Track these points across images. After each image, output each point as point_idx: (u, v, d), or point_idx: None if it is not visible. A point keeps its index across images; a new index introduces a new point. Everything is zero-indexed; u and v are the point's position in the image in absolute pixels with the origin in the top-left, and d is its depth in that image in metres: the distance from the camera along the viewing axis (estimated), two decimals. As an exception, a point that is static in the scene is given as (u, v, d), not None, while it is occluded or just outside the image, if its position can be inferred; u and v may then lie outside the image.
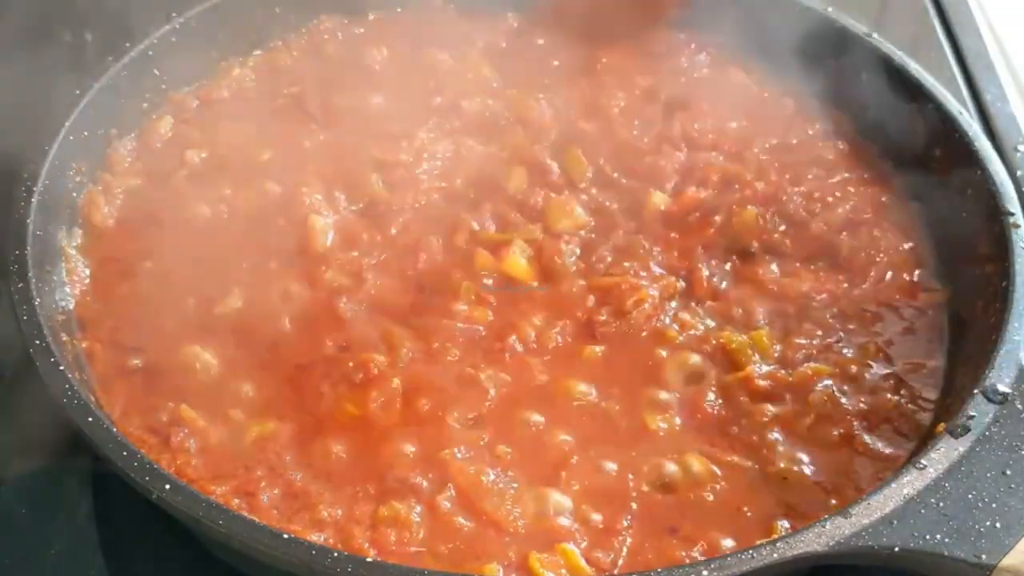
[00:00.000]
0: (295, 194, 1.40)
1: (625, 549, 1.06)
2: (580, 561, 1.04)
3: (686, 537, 1.07)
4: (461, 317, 1.26)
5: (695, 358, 1.24)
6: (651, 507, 1.10)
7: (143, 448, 1.11)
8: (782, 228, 1.39)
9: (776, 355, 1.24)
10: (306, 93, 1.57)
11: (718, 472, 1.13)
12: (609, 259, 1.34)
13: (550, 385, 1.21)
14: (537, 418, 1.17)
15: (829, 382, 1.21)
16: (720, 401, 1.20)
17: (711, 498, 1.11)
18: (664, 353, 1.24)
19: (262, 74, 1.62)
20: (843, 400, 1.20)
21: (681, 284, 1.31)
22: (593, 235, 1.38)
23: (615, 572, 1.04)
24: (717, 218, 1.39)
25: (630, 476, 1.12)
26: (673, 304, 1.29)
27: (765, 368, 1.23)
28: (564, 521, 1.08)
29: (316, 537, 1.05)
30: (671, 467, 1.13)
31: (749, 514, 1.10)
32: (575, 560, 1.04)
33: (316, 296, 1.29)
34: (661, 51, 1.65)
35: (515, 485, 1.10)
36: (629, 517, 1.09)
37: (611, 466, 1.13)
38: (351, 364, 1.20)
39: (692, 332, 1.27)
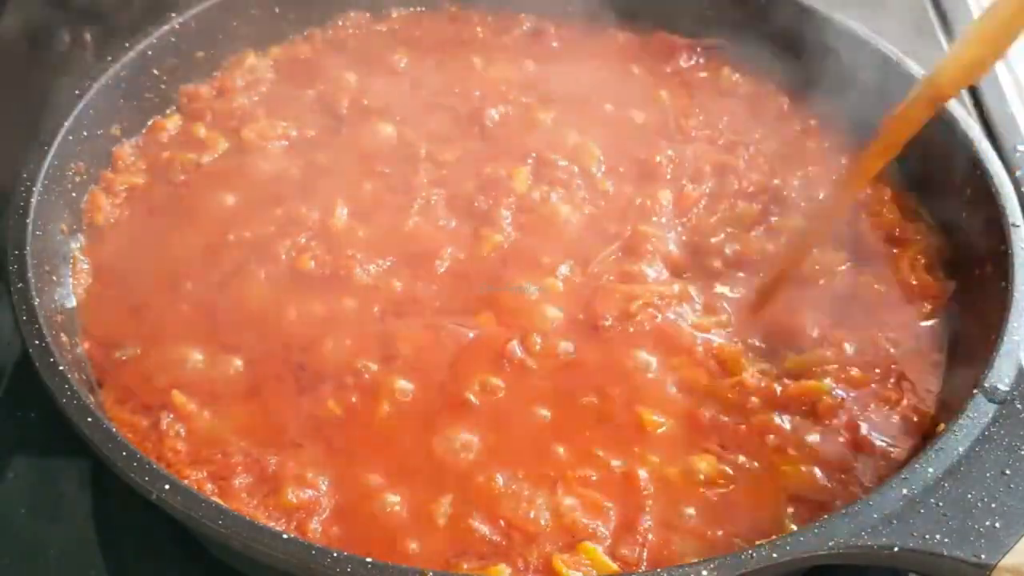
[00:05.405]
0: (305, 192, 1.41)
1: (648, 545, 1.07)
2: (604, 558, 1.04)
3: (705, 533, 1.08)
4: (470, 324, 1.27)
5: (698, 355, 1.24)
6: (667, 504, 1.10)
7: (132, 432, 1.14)
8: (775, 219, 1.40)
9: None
10: (332, 92, 1.58)
11: (728, 471, 1.13)
12: (613, 258, 1.35)
13: (551, 388, 1.21)
14: (541, 416, 1.18)
15: (829, 381, 1.21)
16: (723, 400, 1.20)
17: (724, 497, 1.11)
18: (666, 351, 1.24)
19: (281, 68, 1.64)
20: (844, 398, 1.20)
21: (681, 286, 1.31)
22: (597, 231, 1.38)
23: (642, 568, 1.04)
24: (713, 220, 1.40)
25: (640, 474, 1.12)
26: (676, 302, 1.30)
27: (761, 367, 1.23)
28: (583, 520, 1.08)
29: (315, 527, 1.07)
30: (679, 466, 1.13)
31: (762, 513, 1.10)
32: (599, 557, 1.04)
33: (320, 297, 1.29)
34: (660, 53, 1.67)
35: (526, 487, 1.10)
36: (648, 516, 1.09)
37: (617, 463, 1.13)
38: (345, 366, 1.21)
39: (694, 327, 1.27)
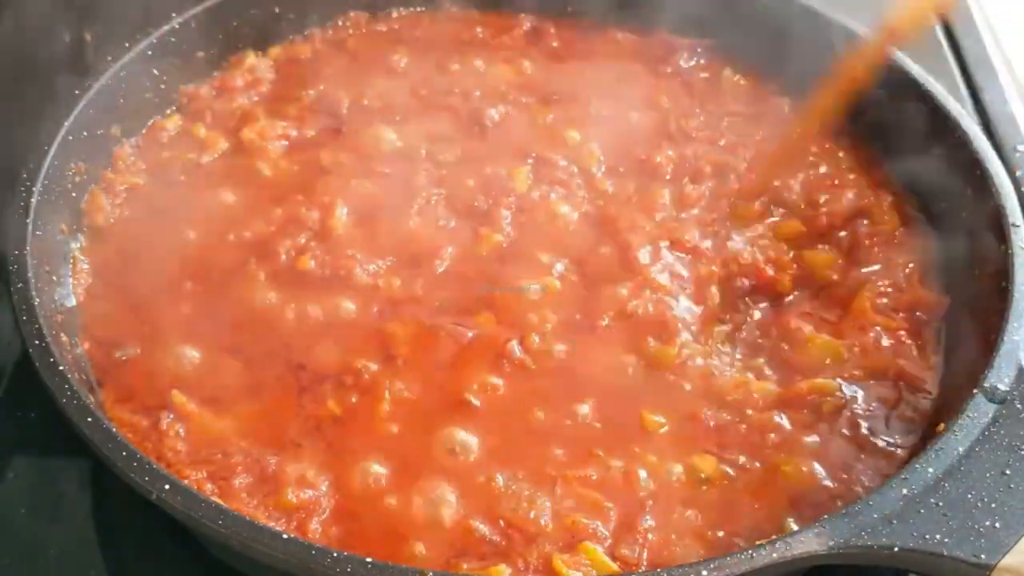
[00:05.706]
0: (306, 192, 1.41)
1: (648, 545, 1.06)
2: (604, 558, 1.04)
3: (706, 533, 1.08)
4: (469, 324, 1.27)
5: (698, 358, 1.24)
6: (667, 504, 1.10)
7: (132, 432, 1.14)
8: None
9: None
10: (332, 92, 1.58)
11: (728, 471, 1.13)
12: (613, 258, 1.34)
13: (550, 387, 1.21)
14: (540, 415, 1.18)
15: (838, 380, 1.21)
16: (724, 400, 1.20)
17: (724, 497, 1.11)
18: (668, 351, 1.24)
19: (281, 68, 1.64)
20: (845, 398, 1.20)
21: (684, 289, 1.32)
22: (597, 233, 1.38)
23: (642, 568, 1.04)
24: (713, 217, 1.40)
25: (640, 474, 1.12)
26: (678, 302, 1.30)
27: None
28: (583, 520, 1.08)
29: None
30: (680, 466, 1.13)
31: (762, 513, 1.10)
32: (599, 557, 1.04)
33: (320, 297, 1.29)
34: (660, 53, 1.67)
35: (526, 487, 1.10)
36: (648, 516, 1.09)
37: (617, 463, 1.13)
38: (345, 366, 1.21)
39: (693, 326, 1.27)
